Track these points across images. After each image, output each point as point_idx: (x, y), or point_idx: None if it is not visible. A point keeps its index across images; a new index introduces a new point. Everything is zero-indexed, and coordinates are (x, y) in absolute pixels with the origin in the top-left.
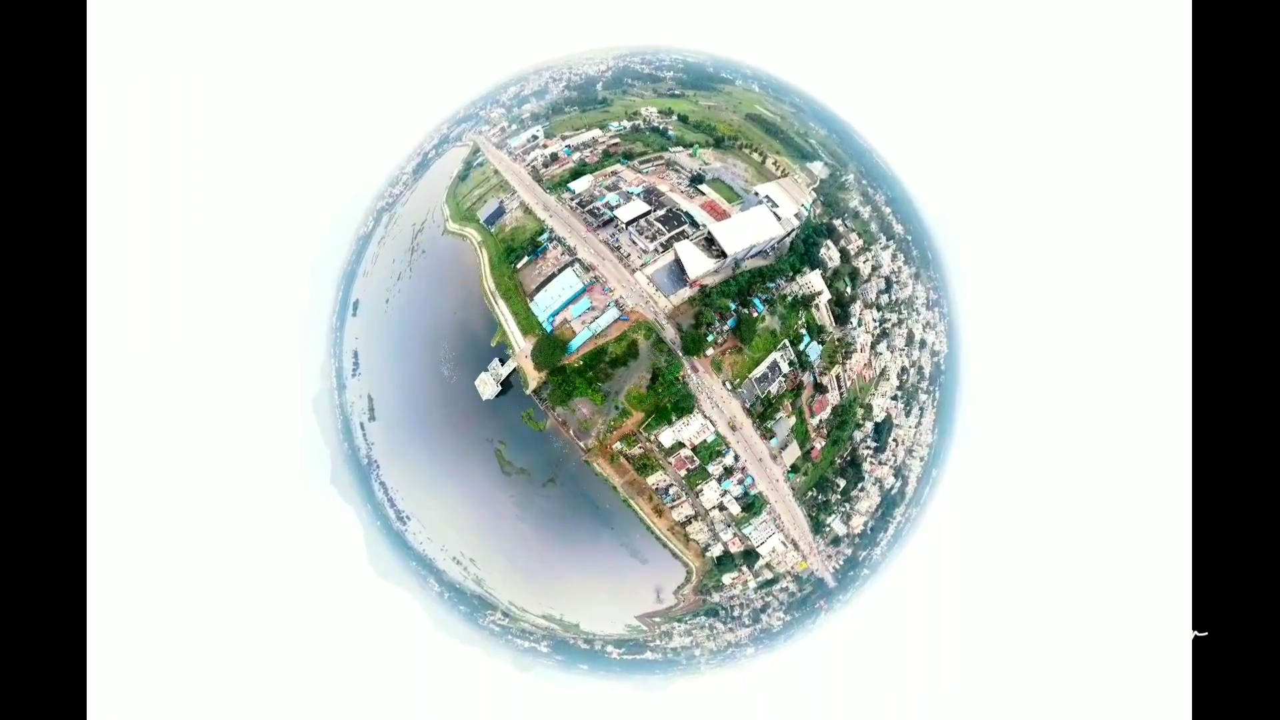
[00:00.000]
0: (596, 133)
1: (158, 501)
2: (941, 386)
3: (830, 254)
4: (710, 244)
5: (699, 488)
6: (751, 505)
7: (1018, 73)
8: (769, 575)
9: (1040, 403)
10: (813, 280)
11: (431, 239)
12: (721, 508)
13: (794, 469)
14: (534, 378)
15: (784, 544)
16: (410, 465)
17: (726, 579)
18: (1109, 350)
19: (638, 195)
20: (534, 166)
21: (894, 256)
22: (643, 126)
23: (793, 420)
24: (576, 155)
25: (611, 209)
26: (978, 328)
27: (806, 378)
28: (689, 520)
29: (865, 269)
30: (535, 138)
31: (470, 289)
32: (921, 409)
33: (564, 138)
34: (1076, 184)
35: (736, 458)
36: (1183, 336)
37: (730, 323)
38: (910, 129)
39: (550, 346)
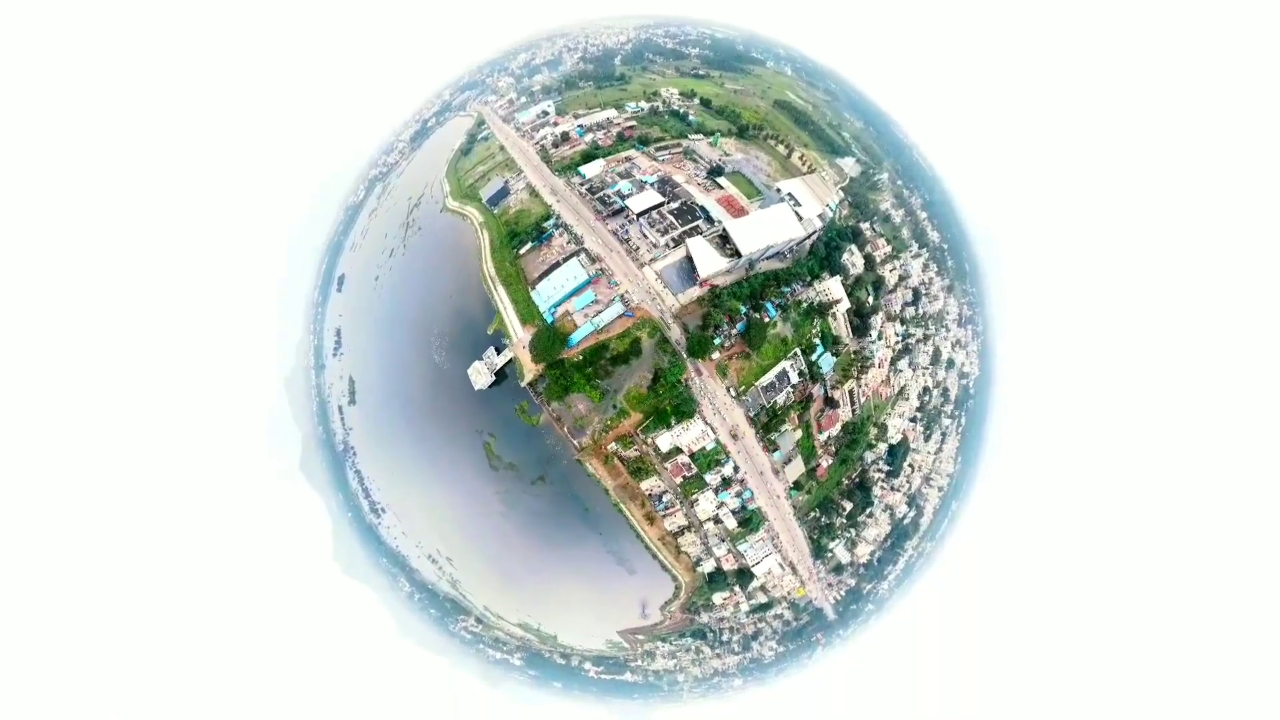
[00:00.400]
0: (612, 113)
1: (108, 480)
2: (969, 412)
3: (854, 260)
4: (724, 242)
5: (694, 497)
6: (749, 520)
7: (1081, 70)
8: (763, 599)
9: (1083, 439)
10: (832, 287)
11: (429, 215)
12: (717, 520)
13: (797, 486)
14: (531, 370)
15: (781, 566)
16: (390, 454)
17: (717, 598)
18: (1165, 387)
19: (651, 185)
20: (543, 145)
21: (925, 266)
22: (661, 109)
23: (799, 434)
24: (589, 137)
25: (623, 198)
26: (1016, 350)
27: (817, 390)
28: (681, 531)
29: (891, 278)
30: (546, 114)
31: (468, 272)
32: (944, 434)
33: (576, 116)
34: (1139, 197)
35: (736, 468)
36: (1262, 374)
37: (739, 326)
38: (958, 125)
39: (550, 338)
